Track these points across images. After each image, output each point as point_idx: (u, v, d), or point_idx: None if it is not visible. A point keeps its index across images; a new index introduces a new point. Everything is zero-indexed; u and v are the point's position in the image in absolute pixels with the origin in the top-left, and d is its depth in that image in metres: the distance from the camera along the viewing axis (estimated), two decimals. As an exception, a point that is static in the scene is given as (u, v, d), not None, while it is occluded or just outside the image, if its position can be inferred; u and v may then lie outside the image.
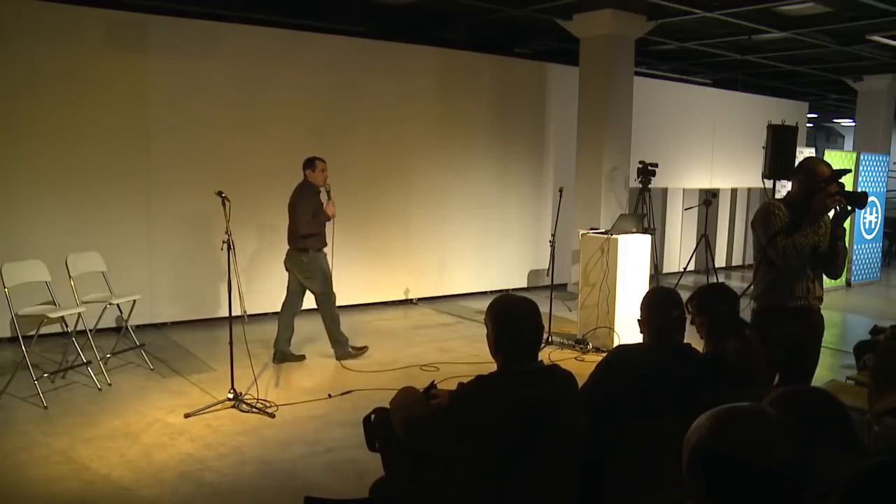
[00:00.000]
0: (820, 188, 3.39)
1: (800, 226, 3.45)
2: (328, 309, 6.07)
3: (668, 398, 2.57)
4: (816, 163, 3.53)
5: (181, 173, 7.07)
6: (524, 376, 2.27)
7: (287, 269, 6.04)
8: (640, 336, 2.96)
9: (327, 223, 6.07)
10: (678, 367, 2.69)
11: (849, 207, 3.42)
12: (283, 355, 6.05)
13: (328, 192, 6.09)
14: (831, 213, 3.50)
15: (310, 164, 6.06)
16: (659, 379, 2.62)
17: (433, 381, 2.68)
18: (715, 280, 9.03)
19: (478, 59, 9.07)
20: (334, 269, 8.10)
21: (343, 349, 6.19)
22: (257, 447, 4.32)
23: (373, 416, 2.66)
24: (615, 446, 2.53)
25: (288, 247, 6.01)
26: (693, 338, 3.18)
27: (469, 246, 9.12)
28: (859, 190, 3.74)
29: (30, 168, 6.42)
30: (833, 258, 3.54)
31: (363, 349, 6.31)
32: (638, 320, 2.93)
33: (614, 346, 6.41)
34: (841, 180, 3.44)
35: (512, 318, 2.33)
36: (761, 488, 1.23)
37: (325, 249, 6.11)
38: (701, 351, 3.16)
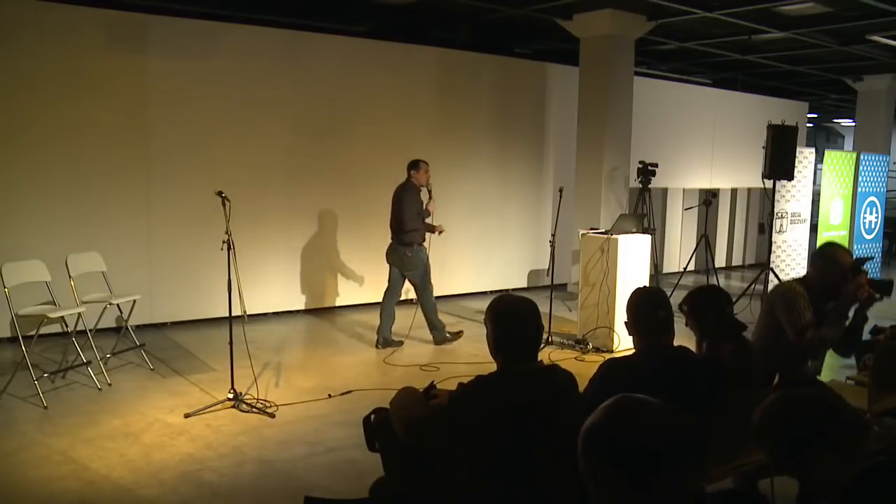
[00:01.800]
0: (847, 278, 3.35)
1: (826, 316, 3.41)
2: (427, 298, 6.57)
3: (666, 400, 2.57)
4: (836, 250, 3.48)
5: (181, 173, 7.07)
6: (524, 376, 2.27)
7: (389, 263, 6.58)
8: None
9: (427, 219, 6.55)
10: (674, 369, 2.68)
11: (876, 296, 3.37)
12: (387, 341, 6.59)
13: (429, 191, 6.48)
14: None
15: (415, 165, 6.48)
16: (656, 381, 2.60)
17: (433, 382, 2.68)
18: (715, 280, 9.03)
19: (478, 59, 9.07)
20: (338, 268, 8.14)
21: (440, 334, 6.67)
22: (257, 447, 4.32)
23: (373, 416, 2.66)
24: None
25: (391, 241, 6.53)
26: (687, 339, 3.18)
27: (469, 246, 9.11)
28: (878, 326, 3.72)
29: (30, 168, 6.43)
30: (851, 341, 3.47)
31: (459, 334, 6.77)
32: (625, 322, 2.91)
33: (614, 346, 6.42)
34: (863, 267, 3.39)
35: (512, 318, 2.33)
36: (649, 460, 1.38)
37: (426, 244, 6.61)
38: (696, 353, 3.16)
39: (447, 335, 6.73)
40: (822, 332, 3.35)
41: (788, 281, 3.57)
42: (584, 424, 1.47)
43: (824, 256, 3.48)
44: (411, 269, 6.45)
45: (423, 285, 6.53)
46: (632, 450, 1.38)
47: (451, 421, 2.21)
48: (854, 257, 3.44)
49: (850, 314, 3.44)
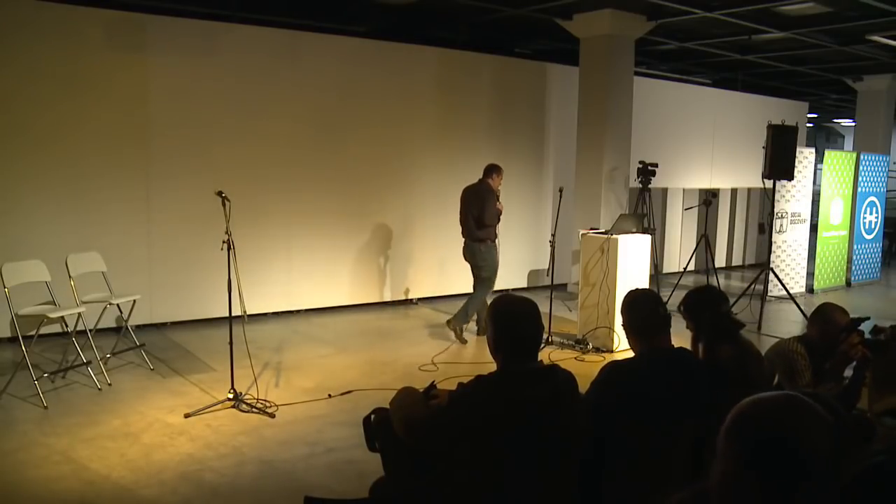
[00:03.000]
0: (840, 338, 3.36)
1: (824, 377, 3.41)
2: (482, 291, 6.91)
3: (667, 402, 2.57)
4: (833, 310, 3.50)
5: (181, 173, 7.07)
6: (524, 376, 2.27)
7: (466, 261, 6.95)
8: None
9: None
10: (676, 371, 2.67)
11: (870, 355, 3.35)
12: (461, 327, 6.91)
13: (498, 195, 6.85)
14: None
15: (497, 170, 6.86)
16: (658, 384, 2.60)
17: (433, 382, 2.68)
18: (715, 280, 9.04)
19: (478, 59, 9.06)
20: (338, 268, 8.14)
21: (459, 325, 6.80)
22: (257, 447, 4.32)
23: (372, 416, 2.65)
24: (615, 449, 2.53)
25: (465, 241, 6.90)
26: (685, 341, 3.18)
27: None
28: (878, 326, 3.75)
29: (29, 168, 6.42)
30: (850, 397, 3.43)
31: (464, 342, 6.81)
32: (622, 325, 2.87)
33: (614, 346, 6.42)
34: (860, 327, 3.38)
35: (512, 318, 2.33)
36: (794, 473, 1.28)
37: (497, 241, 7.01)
38: (693, 353, 3.16)
39: (461, 330, 6.82)
40: (819, 391, 3.36)
41: (788, 340, 3.60)
42: (741, 403, 1.37)
43: (821, 317, 3.54)
44: (482, 263, 6.83)
45: (486, 279, 6.87)
46: (780, 453, 1.29)
47: (451, 421, 2.21)
48: (851, 317, 3.46)
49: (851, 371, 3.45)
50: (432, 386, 2.62)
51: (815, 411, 1.33)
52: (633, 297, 2.89)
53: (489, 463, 2.19)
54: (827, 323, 3.47)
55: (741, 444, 1.32)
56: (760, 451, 1.30)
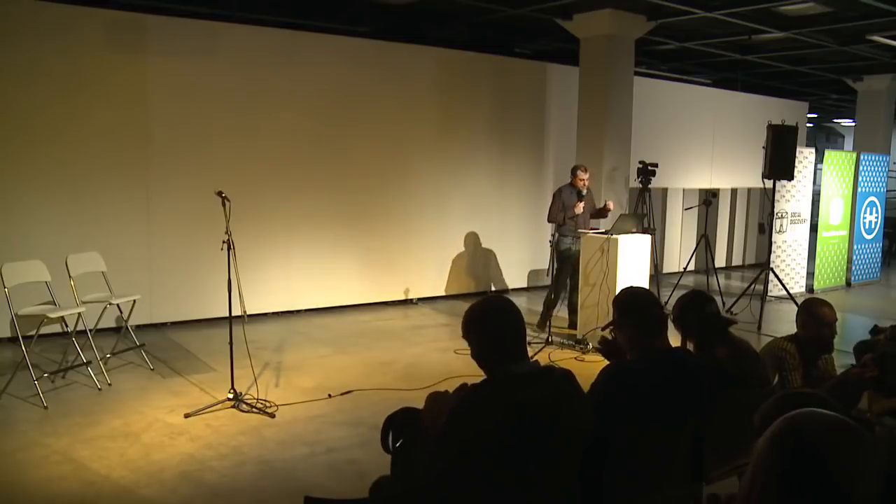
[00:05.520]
0: (830, 332, 3.43)
1: (811, 378, 3.42)
2: (551, 286, 7.28)
3: (667, 403, 2.56)
4: (818, 307, 3.51)
5: (181, 173, 7.07)
6: (522, 378, 2.26)
7: None
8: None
9: (576, 217, 7.07)
10: (676, 371, 2.66)
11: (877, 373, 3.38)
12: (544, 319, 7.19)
13: (579, 194, 7.03)
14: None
15: (574, 169, 7.19)
16: (659, 385, 2.59)
17: (464, 384, 2.62)
18: (715, 280, 9.04)
19: (478, 59, 9.06)
20: (338, 268, 8.14)
21: (543, 321, 7.09)
22: (257, 447, 4.32)
23: (399, 416, 2.59)
24: (616, 449, 2.52)
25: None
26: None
27: (469, 246, 9.12)
28: (878, 326, 3.78)
29: (29, 167, 6.43)
30: (847, 403, 3.46)
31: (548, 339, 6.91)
32: (617, 324, 2.78)
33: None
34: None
35: (499, 319, 2.29)
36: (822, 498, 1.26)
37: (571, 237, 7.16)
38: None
39: (546, 325, 6.97)
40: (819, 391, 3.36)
41: (778, 339, 3.61)
42: (794, 413, 1.34)
43: (808, 313, 3.55)
44: (551, 255, 7.19)
45: (554, 274, 7.17)
46: (813, 470, 1.27)
47: (459, 432, 2.17)
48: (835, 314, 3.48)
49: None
50: (463, 387, 2.57)
51: (863, 438, 1.30)
52: (631, 296, 2.81)
53: (490, 463, 2.18)
54: (812, 318, 3.49)
55: (780, 452, 1.31)
56: (795, 464, 1.28)
